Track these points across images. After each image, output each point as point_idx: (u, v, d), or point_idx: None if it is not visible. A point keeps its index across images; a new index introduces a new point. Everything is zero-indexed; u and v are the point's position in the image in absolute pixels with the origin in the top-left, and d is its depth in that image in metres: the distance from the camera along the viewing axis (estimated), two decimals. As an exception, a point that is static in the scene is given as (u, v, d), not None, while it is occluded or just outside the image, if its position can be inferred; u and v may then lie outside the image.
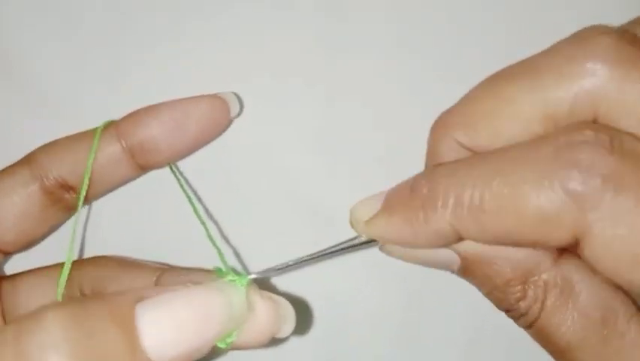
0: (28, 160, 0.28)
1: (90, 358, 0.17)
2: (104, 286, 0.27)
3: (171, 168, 0.29)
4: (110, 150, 0.27)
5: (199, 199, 0.31)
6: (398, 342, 0.31)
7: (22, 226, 0.27)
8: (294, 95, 0.31)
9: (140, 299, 0.18)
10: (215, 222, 0.31)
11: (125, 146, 0.27)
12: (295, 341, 0.31)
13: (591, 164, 0.18)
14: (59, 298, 0.25)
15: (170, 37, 0.31)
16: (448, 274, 0.31)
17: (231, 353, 0.31)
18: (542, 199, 0.18)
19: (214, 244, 0.26)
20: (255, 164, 0.31)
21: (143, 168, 0.29)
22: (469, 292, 0.31)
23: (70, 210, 0.28)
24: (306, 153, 0.31)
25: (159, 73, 0.31)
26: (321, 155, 0.31)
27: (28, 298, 0.28)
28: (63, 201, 0.28)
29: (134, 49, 0.31)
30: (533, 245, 0.20)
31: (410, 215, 0.20)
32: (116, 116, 0.31)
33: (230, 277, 0.21)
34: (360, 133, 0.31)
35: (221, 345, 0.20)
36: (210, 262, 0.25)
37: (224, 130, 0.29)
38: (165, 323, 0.18)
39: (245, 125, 0.31)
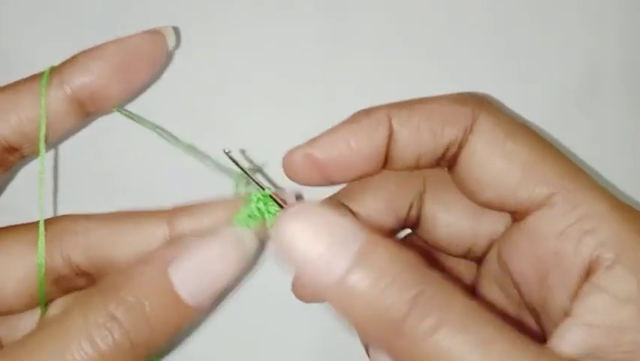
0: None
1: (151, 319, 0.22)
2: (110, 251, 0.27)
3: (120, 112, 0.28)
4: (56, 103, 0.26)
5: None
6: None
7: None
8: (294, 94, 0.31)
9: (169, 263, 0.22)
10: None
11: (70, 94, 0.26)
12: (296, 340, 0.31)
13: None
14: (40, 268, 0.25)
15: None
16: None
17: (232, 353, 0.31)
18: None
19: (233, 161, 0.26)
20: (255, 162, 0.31)
21: (90, 115, 0.27)
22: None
23: (10, 169, 0.27)
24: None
25: (159, 73, 0.31)
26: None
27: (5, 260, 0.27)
28: (6, 163, 0.26)
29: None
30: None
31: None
32: (116, 116, 0.31)
33: (254, 195, 0.25)
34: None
35: None
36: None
37: (163, 65, 0.29)
38: (196, 277, 0.22)
39: (245, 125, 0.31)
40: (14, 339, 0.26)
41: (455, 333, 0.19)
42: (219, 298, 0.24)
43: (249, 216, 0.25)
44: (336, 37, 0.31)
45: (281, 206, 0.25)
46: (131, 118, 0.27)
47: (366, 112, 0.24)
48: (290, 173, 0.25)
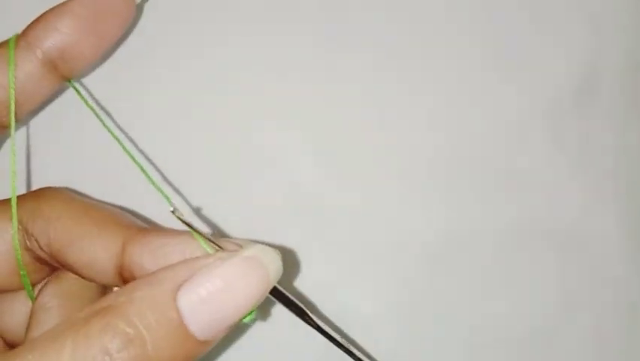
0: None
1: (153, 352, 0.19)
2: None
3: (72, 84, 0.26)
4: (29, 67, 0.24)
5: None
6: (398, 342, 0.31)
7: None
8: (294, 94, 0.31)
9: (177, 288, 0.19)
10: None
11: (42, 57, 0.24)
12: (296, 340, 0.31)
13: None
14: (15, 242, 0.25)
15: (170, 37, 0.31)
16: (448, 275, 0.31)
17: (236, 353, 0.31)
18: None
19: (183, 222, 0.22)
20: (255, 164, 0.31)
21: (66, 78, 0.26)
22: (469, 293, 0.32)
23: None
24: (306, 152, 0.31)
25: (159, 72, 0.31)
26: (321, 154, 0.31)
27: None
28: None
29: (134, 49, 0.31)
30: None
31: None
32: (115, 116, 0.31)
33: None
34: (361, 133, 0.31)
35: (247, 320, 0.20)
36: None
37: (131, 22, 0.27)
38: (209, 307, 0.19)
39: (245, 124, 0.31)
40: (10, 320, 0.26)
41: None
42: (232, 329, 0.21)
43: None
44: (336, 36, 0.31)
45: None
46: (80, 95, 0.26)
47: None
48: None
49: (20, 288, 0.25)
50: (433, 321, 0.30)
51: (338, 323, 0.31)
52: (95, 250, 0.23)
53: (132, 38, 0.31)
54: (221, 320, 0.19)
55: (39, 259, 0.25)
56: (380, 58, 0.31)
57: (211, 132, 0.31)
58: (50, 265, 0.25)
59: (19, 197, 0.25)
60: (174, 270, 0.20)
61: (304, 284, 0.30)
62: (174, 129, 0.31)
